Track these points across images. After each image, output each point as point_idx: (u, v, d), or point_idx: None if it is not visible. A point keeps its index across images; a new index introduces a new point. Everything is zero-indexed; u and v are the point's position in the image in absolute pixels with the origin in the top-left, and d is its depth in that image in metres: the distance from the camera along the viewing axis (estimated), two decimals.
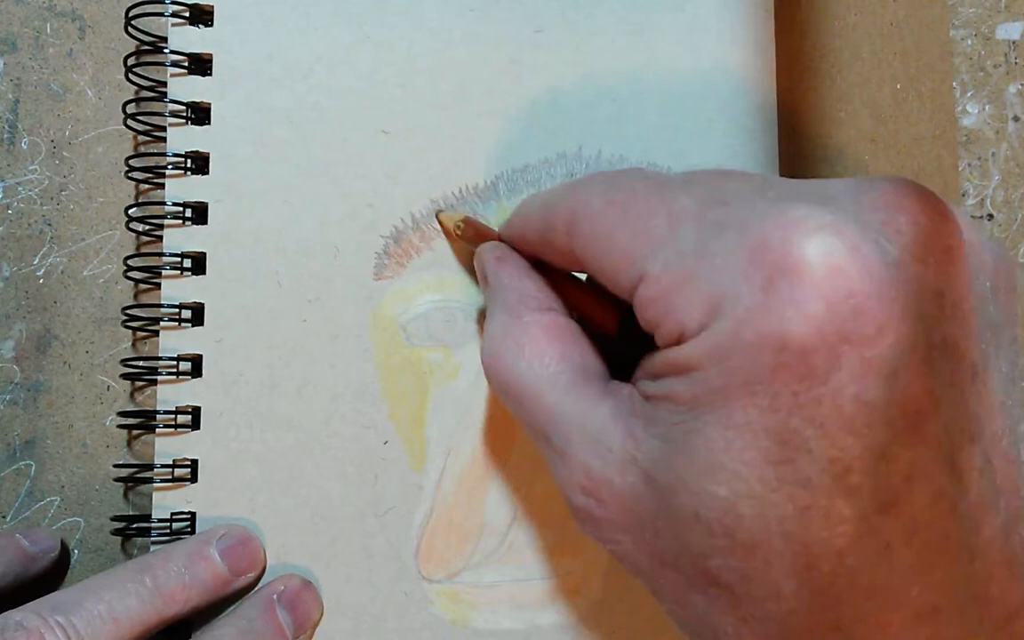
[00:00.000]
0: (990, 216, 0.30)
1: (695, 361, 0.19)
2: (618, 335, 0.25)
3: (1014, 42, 0.30)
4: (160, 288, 0.33)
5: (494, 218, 0.34)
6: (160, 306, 0.33)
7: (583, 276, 0.27)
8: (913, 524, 0.18)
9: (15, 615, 0.26)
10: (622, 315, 0.25)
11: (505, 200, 0.34)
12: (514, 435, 0.33)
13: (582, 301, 0.27)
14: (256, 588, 0.32)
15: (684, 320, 0.19)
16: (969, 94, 0.31)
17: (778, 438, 0.18)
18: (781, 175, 0.36)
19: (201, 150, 0.33)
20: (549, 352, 0.24)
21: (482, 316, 0.34)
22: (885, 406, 0.17)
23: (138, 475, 0.34)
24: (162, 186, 0.33)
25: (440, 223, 0.34)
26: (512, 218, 0.28)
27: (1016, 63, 0.30)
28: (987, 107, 0.31)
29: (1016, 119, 0.30)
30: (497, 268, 0.28)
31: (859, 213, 0.19)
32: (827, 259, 0.17)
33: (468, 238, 0.32)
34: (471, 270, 0.33)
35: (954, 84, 0.31)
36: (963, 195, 0.31)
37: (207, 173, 0.33)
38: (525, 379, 0.24)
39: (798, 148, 0.36)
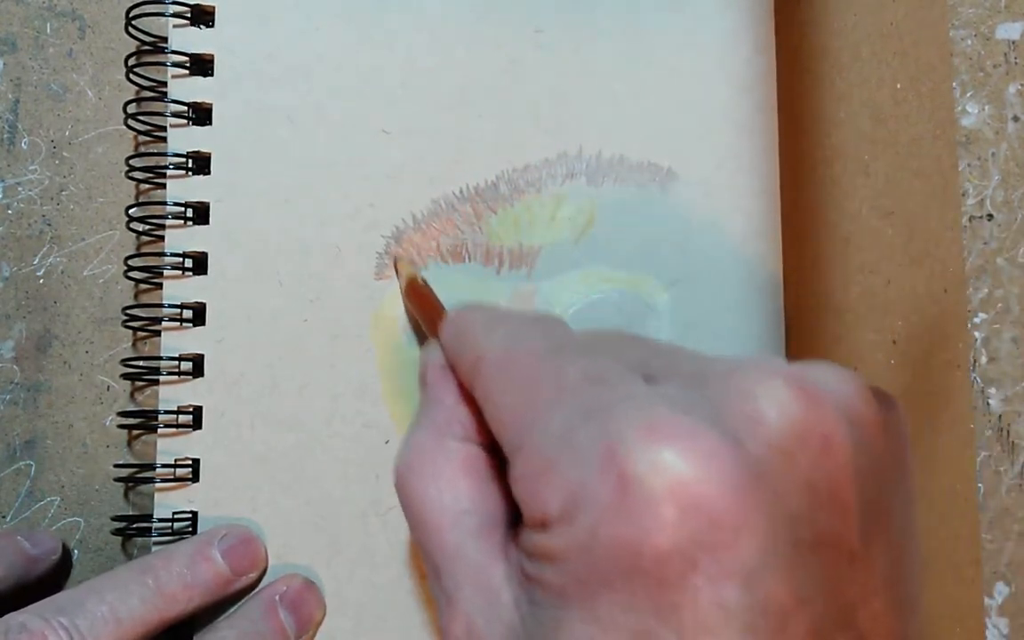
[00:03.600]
0: (990, 216, 0.31)
1: (559, 552, 0.19)
2: None
3: (1014, 42, 0.31)
4: (160, 288, 0.33)
5: (499, 226, 0.34)
6: (161, 306, 0.33)
7: None
8: None
9: (18, 617, 0.26)
10: None
11: (508, 200, 0.34)
12: None
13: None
14: (258, 588, 0.32)
15: (547, 508, 0.19)
16: (969, 94, 0.31)
17: (639, 638, 0.17)
18: (780, 175, 0.36)
19: (202, 150, 0.33)
20: (464, 489, 0.24)
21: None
22: (744, 611, 0.17)
23: (138, 475, 0.34)
24: (162, 186, 0.33)
25: (395, 268, 0.33)
26: (447, 324, 0.26)
27: (1016, 63, 0.31)
28: (987, 107, 0.31)
29: (1016, 119, 0.30)
30: (437, 380, 0.26)
31: (725, 406, 0.18)
32: (679, 468, 0.17)
33: (411, 298, 0.32)
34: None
35: (954, 84, 0.31)
36: (963, 195, 0.31)
37: (208, 173, 0.33)
38: (433, 508, 0.24)
39: (798, 148, 0.36)
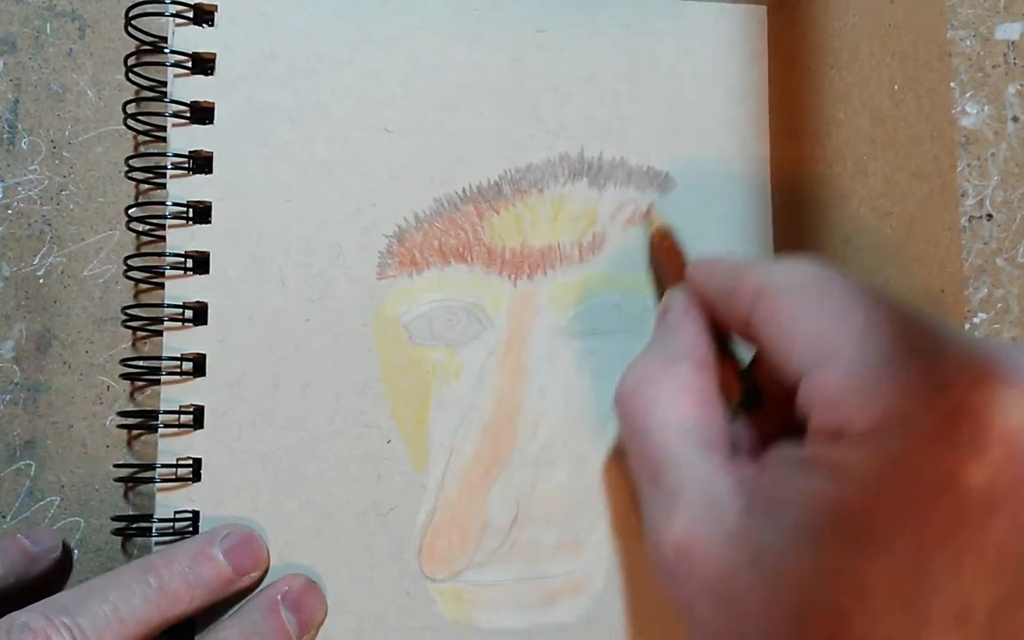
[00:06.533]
0: (989, 216, 0.31)
1: (849, 465, 0.19)
2: (731, 413, 0.26)
3: (1013, 42, 0.31)
4: (160, 288, 0.33)
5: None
6: (161, 306, 0.33)
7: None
8: None
9: (21, 616, 0.26)
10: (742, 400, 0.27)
11: (511, 200, 0.34)
12: (516, 435, 0.34)
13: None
14: (260, 588, 0.31)
15: (852, 421, 0.19)
16: (968, 95, 0.31)
17: (912, 570, 0.18)
18: (778, 177, 0.36)
19: (203, 150, 0.33)
20: (690, 409, 0.25)
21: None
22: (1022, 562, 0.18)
23: (138, 475, 0.34)
24: (162, 186, 0.33)
25: (648, 217, 0.35)
26: (702, 264, 0.29)
27: (1015, 63, 0.31)
28: (986, 107, 0.31)
29: (1015, 119, 0.31)
30: (681, 315, 0.28)
31: None
32: (1015, 412, 0.18)
33: (659, 248, 0.33)
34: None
35: (953, 85, 0.31)
36: (962, 195, 0.31)
37: (209, 173, 0.33)
38: (659, 422, 0.25)
39: (797, 149, 0.36)
